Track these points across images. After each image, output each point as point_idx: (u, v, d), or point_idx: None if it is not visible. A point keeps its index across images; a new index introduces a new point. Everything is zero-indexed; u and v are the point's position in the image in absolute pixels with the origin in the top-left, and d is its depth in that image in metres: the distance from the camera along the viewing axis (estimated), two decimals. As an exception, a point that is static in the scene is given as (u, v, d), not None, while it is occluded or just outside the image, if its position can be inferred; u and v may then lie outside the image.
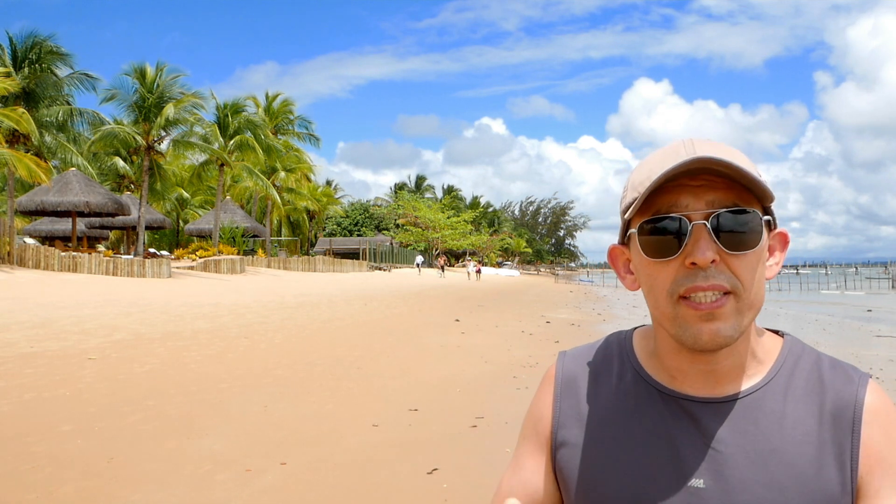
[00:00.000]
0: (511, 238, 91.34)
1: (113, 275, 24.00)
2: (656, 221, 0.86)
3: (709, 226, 0.83)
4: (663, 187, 0.86)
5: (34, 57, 26.47)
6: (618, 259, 0.98)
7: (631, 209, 0.88)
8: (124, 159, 39.51)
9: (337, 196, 74.14)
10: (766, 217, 0.88)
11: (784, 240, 0.94)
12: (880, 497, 0.86)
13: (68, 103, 28.52)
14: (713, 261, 0.83)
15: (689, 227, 0.84)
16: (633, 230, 0.90)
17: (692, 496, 0.87)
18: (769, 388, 0.91)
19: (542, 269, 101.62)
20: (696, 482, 0.88)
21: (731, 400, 0.91)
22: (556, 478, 0.99)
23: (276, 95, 49.28)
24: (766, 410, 0.90)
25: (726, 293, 0.84)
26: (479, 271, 52.99)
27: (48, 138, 27.95)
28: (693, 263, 0.83)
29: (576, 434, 0.97)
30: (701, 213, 0.84)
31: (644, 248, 0.87)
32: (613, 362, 1.00)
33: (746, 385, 0.91)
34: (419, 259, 56.72)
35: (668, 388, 0.93)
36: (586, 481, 0.94)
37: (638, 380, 0.96)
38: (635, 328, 1.04)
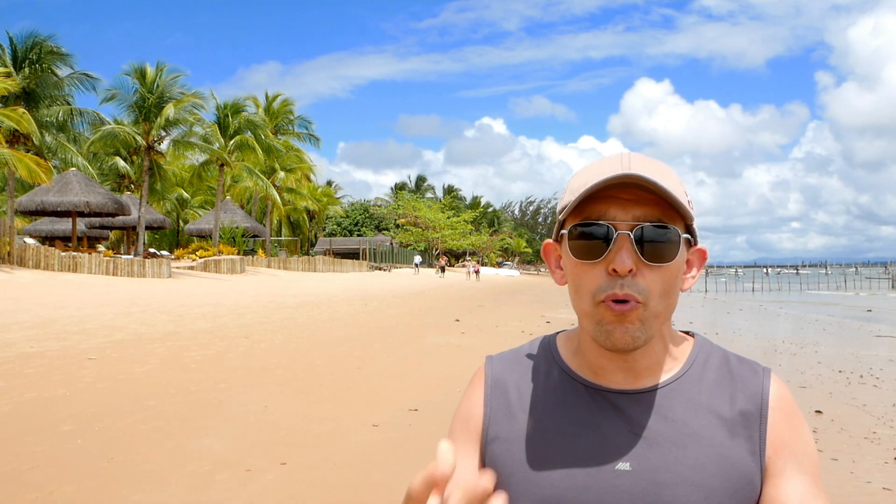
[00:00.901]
0: (511, 238, 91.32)
1: (113, 275, 24.00)
2: (585, 226, 0.93)
3: (632, 236, 0.91)
4: (597, 196, 0.93)
5: (34, 57, 26.47)
6: (550, 254, 1.04)
7: (564, 211, 0.95)
8: (124, 159, 39.51)
9: (337, 196, 74.14)
10: (685, 235, 0.95)
11: (702, 256, 1.02)
12: (785, 476, 0.95)
13: (68, 103, 28.52)
14: (631, 270, 0.90)
15: (615, 236, 0.91)
16: (564, 231, 0.97)
17: (619, 478, 0.94)
18: (684, 380, 1.00)
19: (542, 270, 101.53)
20: (623, 465, 0.94)
21: (651, 391, 0.98)
22: None
23: (276, 96, 49.28)
24: (682, 399, 0.98)
25: (637, 302, 0.91)
26: (477, 272, 52.91)
27: (48, 138, 27.95)
28: (614, 270, 0.90)
29: (506, 429, 1.02)
30: (626, 224, 0.91)
31: (572, 250, 0.94)
32: (540, 363, 1.06)
33: (663, 378, 1.00)
34: (417, 259, 56.58)
35: (592, 383, 1.00)
36: (518, 472, 0.98)
37: (564, 376, 1.03)
38: (558, 332, 1.11)
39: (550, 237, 1.03)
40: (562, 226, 0.98)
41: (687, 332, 1.07)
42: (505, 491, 0.98)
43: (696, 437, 0.95)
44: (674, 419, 0.96)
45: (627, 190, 0.92)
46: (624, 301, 0.90)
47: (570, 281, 0.97)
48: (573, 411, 0.99)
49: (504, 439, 1.01)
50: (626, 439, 0.95)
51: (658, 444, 0.94)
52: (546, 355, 1.07)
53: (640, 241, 0.91)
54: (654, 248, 0.91)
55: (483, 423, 1.04)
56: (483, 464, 1.03)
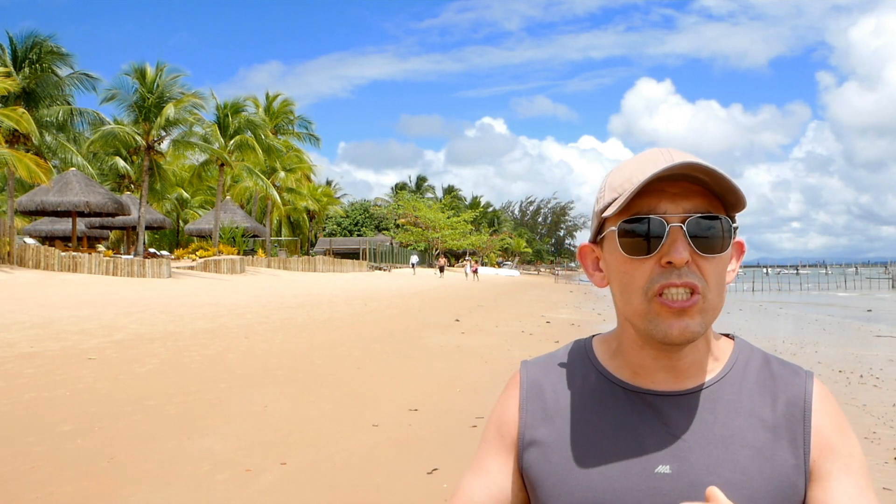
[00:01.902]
0: (511, 238, 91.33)
1: (113, 275, 24.00)
2: (636, 221, 0.91)
3: (685, 228, 0.90)
4: (643, 191, 0.91)
5: (34, 57, 26.47)
6: (587, 257, 1.03)
7: (611, 208, 0.93)
8: (124, 159, 39.53)
9: (337, 196, 74.12)
10: (735, 224, 0.95)
11: (741, 249, 1.01)
12: (832, 479, 0.94)
13: (68, 103, 28.51)
14: (687, 262, 0.90)
15: (667, 229, 0.90)
16: (612, 228, 0.94)
17: (659, 481, 0.93)
18: (725, 382, 0.98)
19: (542, 269, 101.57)
20: (663, 469, 0.93)
21: (691, 392, 0.97)
22: (522, 479, 1.03)
23: (276, 95, 49.27)
24: (723, 401, 0.97)
25: (694, 293, 0.90)
26: (476, 271, 52.69)
27: (48, 138, 27.97)
28: (669, 262, 0.90)
29: (543, 433, 1.01)
30: (678, 217, 0.90)
31: (623, 246, 0.93)
32: (576, 367, 1.05)
33: (704, 380, 0.98)
34: (414, 258, 56.33)
35: (631, 385, 0.99)
36: (557, 477, 0.97)
37: (601, 380, 1.02)
38: (593, 336, 1.10)
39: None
40: (602, 225, 0.97)
41: (727, 334, 1.06)
42: (542, 495, 0.98)
43: (738, 439, 0.94)
44: (714, 421, 0.95)
45: (675, 183, 0.91)
46: (684, 296, 0.89)
47: (618, 279, 0.95)
48: (611, 414, 0.98)
49: (540, 444, 1.00)
50: (666, 442, 0.94)
51: (698, 447, 0.93)
52: (582, 358, 1.06)
53: (693, 233, 0.90)
54: (705, 240, 0.90)
55: (519, 428, 1.03)
56: (519, 469, 1.03)
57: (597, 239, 1.00)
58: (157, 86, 30.66)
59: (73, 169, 29.84)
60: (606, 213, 0.94)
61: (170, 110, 30.00)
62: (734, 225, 0.94)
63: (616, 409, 0.98)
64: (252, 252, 43.33)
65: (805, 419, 0.95)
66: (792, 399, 0.97)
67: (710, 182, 0.90)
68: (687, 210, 0.90)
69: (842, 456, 0.95)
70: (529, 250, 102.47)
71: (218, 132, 36.55)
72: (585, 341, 1.09)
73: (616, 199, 0.93)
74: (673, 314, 0.90)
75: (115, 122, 31.30)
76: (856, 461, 0.95)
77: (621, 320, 1.00)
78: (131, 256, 28.28)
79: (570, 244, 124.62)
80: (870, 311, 26.31)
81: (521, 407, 1.04)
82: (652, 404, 0.97)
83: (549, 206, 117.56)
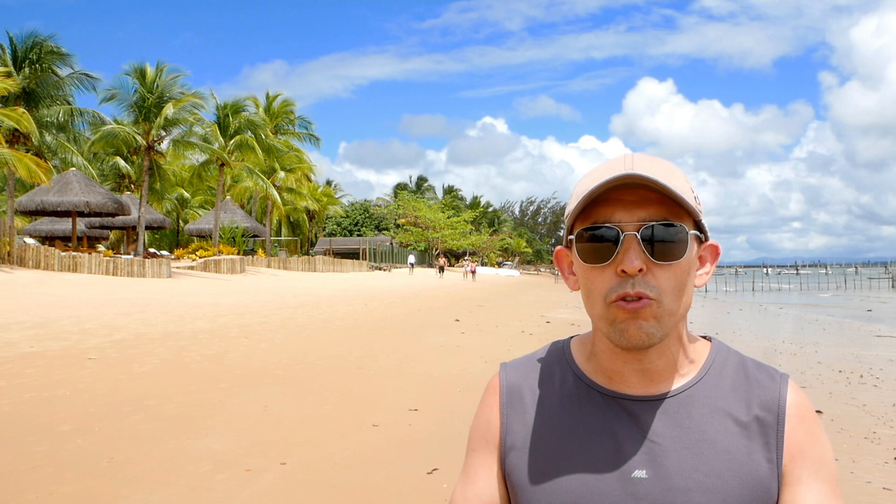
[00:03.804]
0: (511, 238, 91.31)
1: (113, 275, 24.00)
2: (593, 230, 0.93)
3: (639, 237, 0.91)
4: (602, 199, 0.93)
5: (34, 57, 26.49)
6: (563, 261, 1.05)
7: (570, 216, 0.97)
8: (124, 159, 39.54)
9: (337, 196, 74.13)
10: (694, 231, 0.95)
11: (715, 252, 1.01)
12: (801, 483, 0.95)
13: (68, 103, 28.52)
14: (640, 269, 0.91)
15: (621, 238, 0.91)
16: (571, 237, 0.96)
17: (635, 486, 0.94)
18: (701, 386, 0.99)
19: (542, 270, 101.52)
20: (638, 473, 0.94)
21: (667, 396, 0.98)
22: (505, 482, 1.04)
23: (276, 95, 49.28)
24: (698, 405, 0.98)
25: (644, 298, 0.91)
26: (473, 272, 52.42)
27: (48, 138, 27.99)
28: (623, 271, 0.91)
29: (523, 437, 1.02)
30: (633, 225, 0.91)
31: (581, 254, 0.95)
32: (555, 369, 1.06)
33: (680, 383, 0.99)
34: (411, 259, 56.14)
35: (608, 389, 1.00)
36: (536, 480, 0.98)
37: (579, 383, 1.03)
38: (571, 337, 1.11)
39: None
40: (570, 232, 0.98)
41: (704, 336, 1.07)
42: (522, 499, 1.00)
43: (712, 443, 0.95)
44: (689, 425, 0.96)
45: (631, 191, 0.92)
46: (636, 299, 0.90)
47: (582, 285, 0.97)
48: (588, 418, 0.99)
49: (521, 447, 1.02)
50: (642, 446, 0.95)
51: (674, 451, 0.94)
52: (560, 360, 1.06)
53: (649, 241, 0.91)
54: (662, 247, 0.91)
55: (501, 433, 1.04)
56: (502, 473, 1.04)
57: (567, 243, 1.01)
58: (157, 86, 30.68)
59: (73, 169, 29.84)
60: (568, 221, 0.97)
61: (169, 110, 30.01)
62: (692, 232, 0.94)
63: (594, 413, 0.99)
64: (252, 252, 43.33)
65: (779, 423, 0.96)
66: (766, 403, 0.97)
67: (662, 191, 0.91)
68: (642, 219, 0.91)
69: (813, 461, 0.95)
70: (529, 250, 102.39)
71: (218, 132, 36.55)
72: (564, 343, 1.09)
73: (575, 207, 0.95)
74: (629, 316, 0.91)
75: (115, 122, 31.30)
76: (826, 467, 0.96)
77: (593, 325, 1.00)
78: (131, 256, 28.28)
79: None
80: (870, 311, 26.32)
81: (502, 412, 1.05)
82: (628, 409, 0.98)
83: (549, 206, 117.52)
